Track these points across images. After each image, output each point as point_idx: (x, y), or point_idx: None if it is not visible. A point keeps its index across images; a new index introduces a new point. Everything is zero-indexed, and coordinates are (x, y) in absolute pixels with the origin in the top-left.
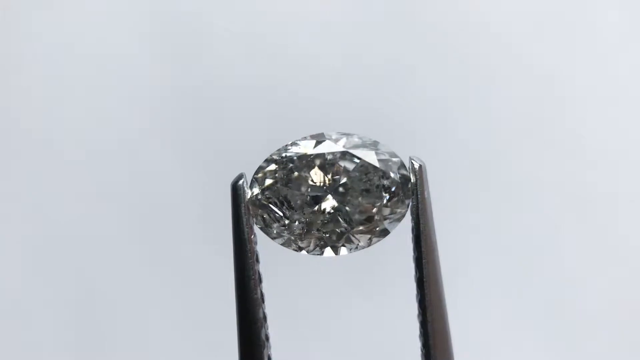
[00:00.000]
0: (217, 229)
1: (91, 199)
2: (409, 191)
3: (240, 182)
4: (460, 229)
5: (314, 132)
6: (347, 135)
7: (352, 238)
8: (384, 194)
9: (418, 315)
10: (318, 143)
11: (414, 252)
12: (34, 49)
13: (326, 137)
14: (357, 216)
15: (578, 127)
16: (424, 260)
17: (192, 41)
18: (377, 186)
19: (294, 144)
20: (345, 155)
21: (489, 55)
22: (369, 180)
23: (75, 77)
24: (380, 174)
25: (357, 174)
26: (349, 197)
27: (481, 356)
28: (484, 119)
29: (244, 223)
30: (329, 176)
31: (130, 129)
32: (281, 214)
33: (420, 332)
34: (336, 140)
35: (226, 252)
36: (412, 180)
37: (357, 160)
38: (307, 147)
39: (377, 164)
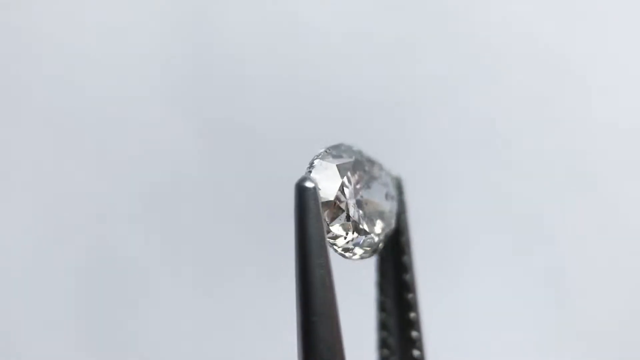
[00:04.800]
0: (231, 205)
1: (103, 174)
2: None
3: (311, 185)
4: (460, 207)
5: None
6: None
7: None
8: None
9: None
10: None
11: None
12: (42, 21)
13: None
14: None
15: (580, 102)
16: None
17: (205, 20)
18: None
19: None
20: None
21: (495, 35)
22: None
23: (86, 54)
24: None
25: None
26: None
27: (480, 337)
28: (484, 97)
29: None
30: None
31: (141, 105)
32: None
33: None
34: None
35: (242, 230)
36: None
37: None
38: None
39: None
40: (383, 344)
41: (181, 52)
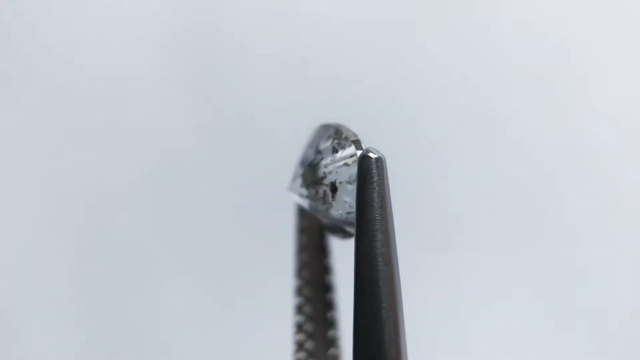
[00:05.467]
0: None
1: (103, 154)
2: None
3: (377, 155)
4: (458, 184)
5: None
6: None
7: None
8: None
9: None
10: None
11: None
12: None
13: None
14: None
15: (582, 88)
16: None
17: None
18: None
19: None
20: None
21: (495, 22)
22: None
23: (84, 33)
24: None
25: None
26: None
27: (479, 322)
28: (486, 82)
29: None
30: None
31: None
32: None
33: None
34: None
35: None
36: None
37: None
38: None
39: None
40: (300, 346)
41: (180, 32)
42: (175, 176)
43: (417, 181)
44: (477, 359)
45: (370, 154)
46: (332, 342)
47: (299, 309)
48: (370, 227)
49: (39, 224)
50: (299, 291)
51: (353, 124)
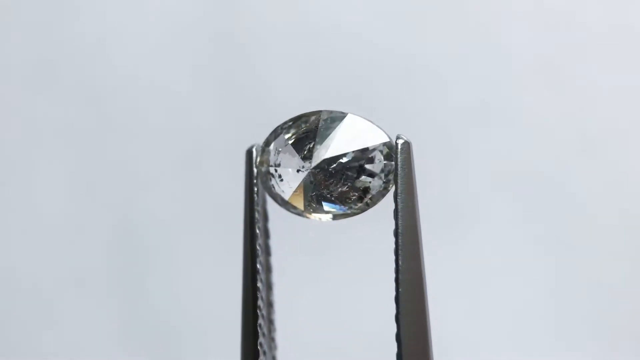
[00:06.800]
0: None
1: (133, 138)
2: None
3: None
4: (462, 166)
5: None
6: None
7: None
8: None
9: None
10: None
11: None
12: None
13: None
14: None
15: (587, 65)
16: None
17: None
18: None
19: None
20: None
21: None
22: None
23: (116, 26)
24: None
25: None
26: None
27: (483, 289)
28: (492, 63)
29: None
30: None
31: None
32: None
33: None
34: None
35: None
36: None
37: None
38: None
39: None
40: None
41: (210, 24)
42: (202, 162)
43: (429, 162)
44: (486, 333)
45: (405, 139)
46: (274, 342)
47: (260, 310)
48: (412, 200)
49: (72, 207)
50: (261, 295)
51: (367, 110)
